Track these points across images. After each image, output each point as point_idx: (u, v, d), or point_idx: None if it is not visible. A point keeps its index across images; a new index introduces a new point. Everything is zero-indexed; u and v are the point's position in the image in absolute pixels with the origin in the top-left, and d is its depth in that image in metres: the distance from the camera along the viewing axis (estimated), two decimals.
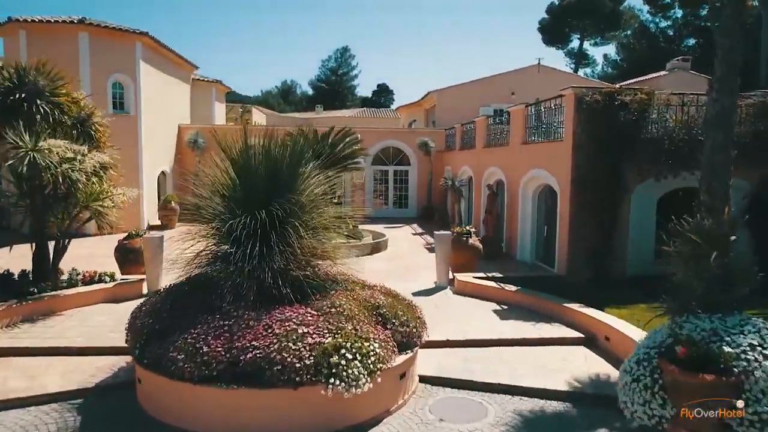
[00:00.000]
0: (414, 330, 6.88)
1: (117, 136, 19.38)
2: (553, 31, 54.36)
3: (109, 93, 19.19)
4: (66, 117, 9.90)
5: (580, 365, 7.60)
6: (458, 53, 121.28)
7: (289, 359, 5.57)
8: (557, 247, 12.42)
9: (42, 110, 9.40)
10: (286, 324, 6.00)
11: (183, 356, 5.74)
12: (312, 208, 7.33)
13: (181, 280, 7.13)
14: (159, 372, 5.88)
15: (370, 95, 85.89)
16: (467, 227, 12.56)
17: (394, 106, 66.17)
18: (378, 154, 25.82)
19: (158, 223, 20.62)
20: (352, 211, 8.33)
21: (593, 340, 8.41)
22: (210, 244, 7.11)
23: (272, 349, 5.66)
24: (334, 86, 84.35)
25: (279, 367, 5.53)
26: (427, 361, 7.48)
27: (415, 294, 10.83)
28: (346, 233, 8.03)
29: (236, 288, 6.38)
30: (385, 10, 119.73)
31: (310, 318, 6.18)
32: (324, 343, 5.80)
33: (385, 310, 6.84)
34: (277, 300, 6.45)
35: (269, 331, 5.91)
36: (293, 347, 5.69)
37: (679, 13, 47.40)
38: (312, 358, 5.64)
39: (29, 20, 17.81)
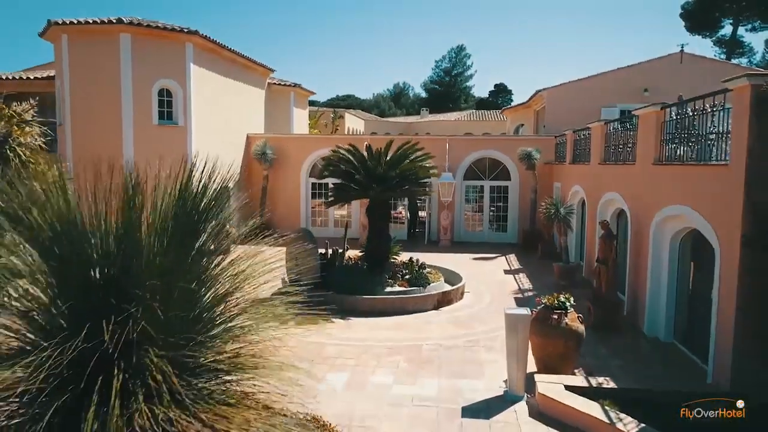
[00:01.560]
0: None
1: (163, 150, 17.43)
2: (699, 16, 46.21)
3: (154, 101, 16.93)
4: None
5: None
6: (582, 50, 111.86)
7: None
8: (714, 334, 7.69)
9: None
10: None
11: None
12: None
13: None
14: None
15: (486, 96, 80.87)
16: (563, 296, 8.17)
17: None
18: (471, 167, 21.54)
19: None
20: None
21: None
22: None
23: None
24: (447, 87, 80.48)
25: None
26: None
27: (467, 412, 6.78)
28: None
29: None
30: (504, 9, 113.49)
31: None
32: None
33: None
34: None
35: None
36: None
37: None
38: None
39: (68, 22, 15.98)
